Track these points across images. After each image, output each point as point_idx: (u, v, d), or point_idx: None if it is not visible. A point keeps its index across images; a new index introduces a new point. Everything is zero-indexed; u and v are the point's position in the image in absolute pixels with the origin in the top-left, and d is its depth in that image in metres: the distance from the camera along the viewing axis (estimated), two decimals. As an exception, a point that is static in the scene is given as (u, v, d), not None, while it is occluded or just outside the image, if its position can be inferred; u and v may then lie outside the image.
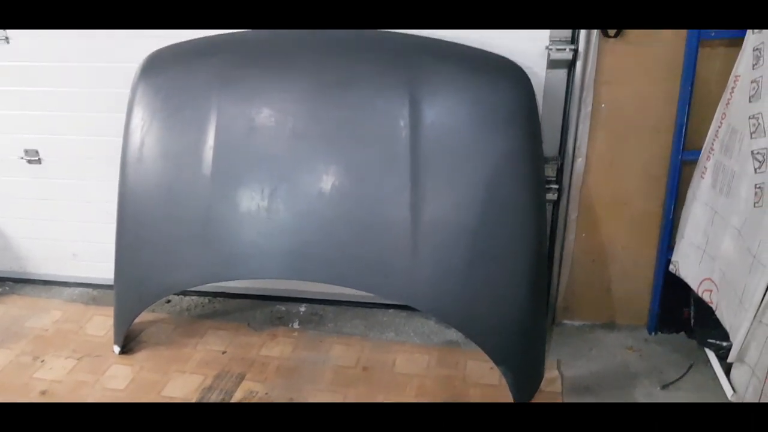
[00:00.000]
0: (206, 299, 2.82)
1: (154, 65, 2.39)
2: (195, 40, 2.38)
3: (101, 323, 2.69)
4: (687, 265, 2.15)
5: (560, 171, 2.35)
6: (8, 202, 2.84)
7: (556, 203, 2.40)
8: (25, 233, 2.91)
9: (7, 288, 2.98)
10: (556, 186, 2.36)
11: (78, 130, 2.62)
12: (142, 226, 2.40)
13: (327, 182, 2.19)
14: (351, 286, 2.23)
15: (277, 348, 2.52)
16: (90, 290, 2.92)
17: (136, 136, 2.37)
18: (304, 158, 2.21)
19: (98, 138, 2.61)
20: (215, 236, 2.29)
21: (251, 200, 2.24)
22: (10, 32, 2.46)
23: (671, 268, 2.25)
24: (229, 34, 2.35)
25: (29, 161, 2.70)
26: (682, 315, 2.42)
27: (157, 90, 2.36)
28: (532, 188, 2.16)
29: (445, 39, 2.20)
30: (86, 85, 2.53)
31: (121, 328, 2.51)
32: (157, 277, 2.40)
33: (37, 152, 2.68)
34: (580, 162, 2.31)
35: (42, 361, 2.49)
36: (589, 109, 2.22)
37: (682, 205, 2.24)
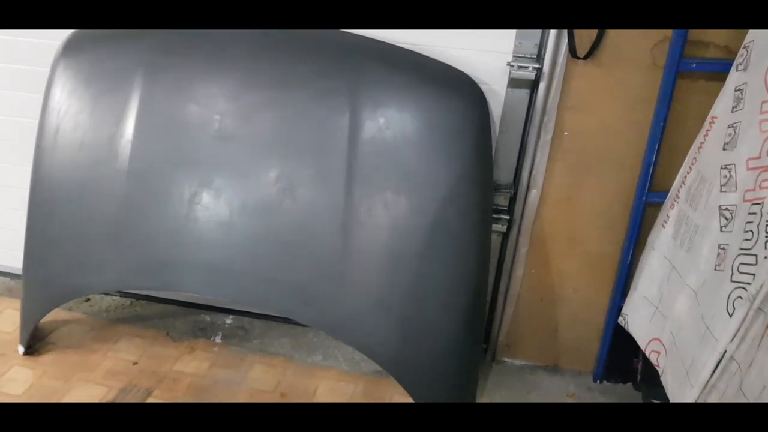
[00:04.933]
0: (128, 301, 2.56)
1: (78, 43, 2.11)
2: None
3: (12, 318, 2.43)
4: (637, 319, 1.91)
5: (513, 201, 2.09)
6: None
7: (505, 235, 2.15)
8: None
9: None
10: (507, 217, 2.10)
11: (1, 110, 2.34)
12: (53, 221, 2.14)
13: (252, 192, 1.93)
14: (270, 309, 1.98)
15: (193, 363, 2.27)
16: (7, 280, 2.66)
17: (51, 121, 2.10)
18: (229, 163, 1.95)
19: (17, 119, 2.34)
20: (128, 240, 2.03)
21: (168, 205, 1.99)
22: None
23: (620, 320, 2.01)
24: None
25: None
26: (631, 365, 2.19)
27: (78, 71, 2.09)
28: (477, 218, 1.92)
29: (398, 43, 1.93)
30: (7, 60, 2.25)
31: (26, 327, 2.25)
32: (66, 278, 2.14)
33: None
34: (534, 193, 2.05)
35: (-64, 356, 2.24)
36: (550, 136, 1.96)
37: (642, 251, 1.99)
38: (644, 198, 1.95)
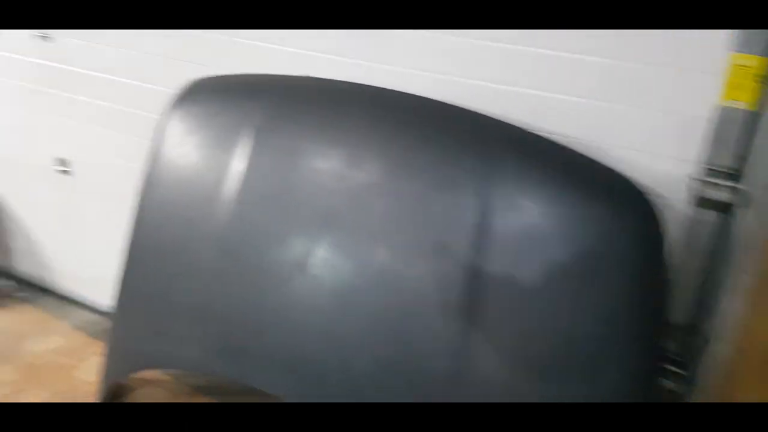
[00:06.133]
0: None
1: (193, 93, 2.02)
2: (241, 75, 1.98)
3: (95, 367, 2.35)
4: None
5: (689, 351, 1.61)
6: (39, 208, 2.68)
7: (678, 397, 1.66)
8: (51, 243, 2.73)
9: (27, 294, 2.81)
10: (683, 372, 1.62)
11: (111, 150, 2.35)
12: (144, 277, 2.04)
13: (350, 284, 1.68)
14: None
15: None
16: (100, 319, 2.62)
17: (157, 168, 1.99)
18: (329, 247, 1.71)
19: (131, 163, 2.28)
20: (211, 316, 1.87)
21: (258, 283, 1.80)
22: (52, 31, 2.19)
23: None
24: (276, 76, 1.92)
25: (60, 171, 2.43)
26: None
27: (189, 121, 1.98)
28: (637, 369, 1.49)
29: (544, 133, 1.57)
30: (127, 103, 2.24)
31: (104, 387, 2.15)
32: (150, 344, 2.03)
33: (67, 162, 2.41)
34: (723, 348, 1.56)
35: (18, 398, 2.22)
36: (750, 278, 1.48)
37: None
38: None
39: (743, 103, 1.36)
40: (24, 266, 2.84)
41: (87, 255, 2.61)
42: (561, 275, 1.44)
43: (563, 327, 1.45)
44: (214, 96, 1.99)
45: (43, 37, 2.23)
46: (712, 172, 1.44)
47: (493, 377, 1.54)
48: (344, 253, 1.69)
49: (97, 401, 2.17)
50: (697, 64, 1.40)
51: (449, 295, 1.53)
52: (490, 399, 1.53)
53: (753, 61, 1.35)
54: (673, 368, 1.63)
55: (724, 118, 1.38)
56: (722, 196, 1.43)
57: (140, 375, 2.28)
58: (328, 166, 1.73)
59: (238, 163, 1.85)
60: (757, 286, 1.49)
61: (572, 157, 1.54)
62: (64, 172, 2.44)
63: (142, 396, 2.27)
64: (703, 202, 1.48)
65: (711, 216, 1.49)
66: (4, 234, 2.81)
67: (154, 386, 2.32)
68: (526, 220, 1.48)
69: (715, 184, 1.43)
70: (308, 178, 1.74)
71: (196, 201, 1.93)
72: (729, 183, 1.42)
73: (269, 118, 1.85)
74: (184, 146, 1.97)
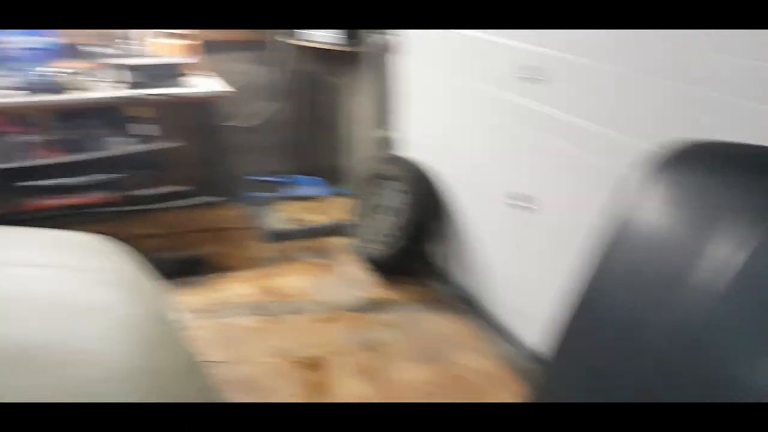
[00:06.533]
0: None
1: (684, 159, 1.76)
2: (747, 145, 1.64)
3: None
4: None
5: None
6: (493, 235, 2.82)
7: None
8: (495, 268, 2.84)
9: (463, 307, 3.02)
10: None
11: (571, 197, 2.29)
12: (586, 342, 1.88)
13: None
14: None
15: None
16: (522, 355, 2.63)
17: (624, 232, 1.84)
18: None
19: (588, 215, 2.15)
20: None
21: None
22: (554, 73, 2.23)
23: None
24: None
25: (520, 206, 2.52)
26: None
27: (676, 190, 1.75)
28: None
29: None
30: (597, 154, 2.13)
31: None
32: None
33: (528, 199, 2.47)
34: None
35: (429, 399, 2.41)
36: None
37: None
38: None
39: None
40: (466, 281, 3.05)
41: (526, 290, 2.64)
42: None
43: None
44: (712, 165, 1.71)
45: (534, 79, 2.29)
46: None
47: None
48: None
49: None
50: None
51: None
52: None
53: None
54: None
55: None
56: None
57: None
58: None
59: (729, 252, 1.55)
60: None
61: None
62: (524, 207, 2.49)
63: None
64: None
65: None
66: (458, 249, 3.07)
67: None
68: None
69: None
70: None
71: (661, 281, 1.71)
72: None
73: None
74: (664, 217, 1.76)
